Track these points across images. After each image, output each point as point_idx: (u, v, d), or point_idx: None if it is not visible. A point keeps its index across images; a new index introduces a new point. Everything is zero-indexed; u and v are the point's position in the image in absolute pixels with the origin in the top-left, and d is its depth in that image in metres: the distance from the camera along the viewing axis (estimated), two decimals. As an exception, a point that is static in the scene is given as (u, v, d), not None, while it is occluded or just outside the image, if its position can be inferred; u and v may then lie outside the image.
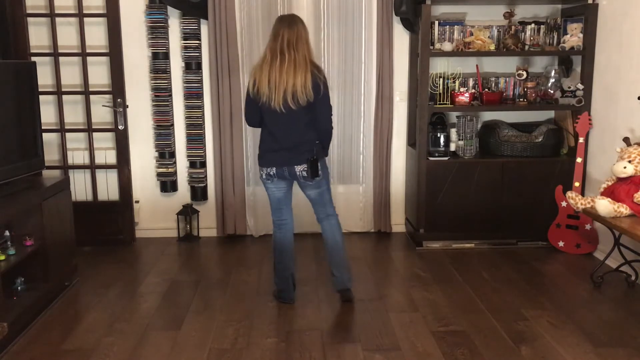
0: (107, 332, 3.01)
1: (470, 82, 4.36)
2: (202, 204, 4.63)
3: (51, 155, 4.33)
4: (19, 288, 3.16)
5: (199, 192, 4.56)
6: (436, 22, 4.25)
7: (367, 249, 4.34)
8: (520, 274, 3.77)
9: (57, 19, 4.21)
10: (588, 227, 4.09)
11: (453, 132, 4.33)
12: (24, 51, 4.18)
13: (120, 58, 4.29)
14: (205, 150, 4.53)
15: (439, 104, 4.20)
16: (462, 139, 4.29)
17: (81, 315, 3.23)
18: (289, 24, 3.06)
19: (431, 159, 4.21)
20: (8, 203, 2.97)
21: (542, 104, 4.26)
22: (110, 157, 4.42)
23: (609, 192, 3.43)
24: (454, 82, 4.24)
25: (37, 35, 4.27)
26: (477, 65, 4.34)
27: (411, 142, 4.49)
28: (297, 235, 3.47)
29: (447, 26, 4.26)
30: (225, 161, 4.44)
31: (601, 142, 4.02)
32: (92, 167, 4.41)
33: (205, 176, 4.56)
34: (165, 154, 4.47)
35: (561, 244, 4.18)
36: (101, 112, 4.39)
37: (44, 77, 4.24)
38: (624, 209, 3.28)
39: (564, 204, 4.11)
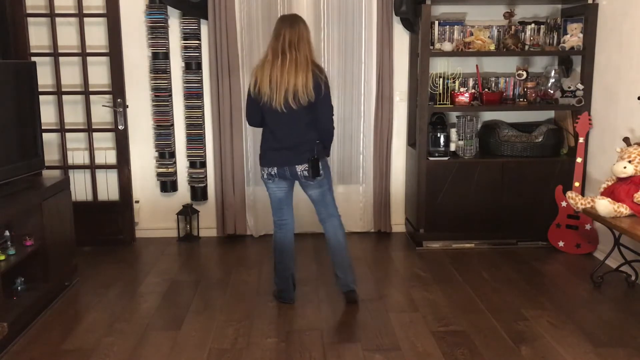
0: (107, 332, 3.01)
1: (470, 82, 4.36)
2: (202, 204, 4.63)
3: (51, 155, 4.33)
4: (19, 288, 3.16)
5: (199, 192, 4.56)
6: (436, 22, 4.25)
7: (367, 249, 4.34)
8: (520, 274, 3.78)
9: (57, 19, 4.21)
10: (588, 227, 4.09)
11: (453, 132, 4.33)
12: (24, 51, 4.18)
13: (120, 58, 4.29)
14: (205, 150, 4.53)
15: (439, 104, 4.20)
16: (462, 139, 4.29)
17: (81, 315, 3.23)
18: (291, 23, 3.06)
19: (431, 159, 4.21)
20: (8, 203, 2.97)
21: (542, 104, 4.26)
22: (110, 157, 4.42)
23: (609, 192, 3.43)
24: (454, 82, 4.24)
25: (37, 35, 4.27)
26: (477, 65, 4.34)
27: (411, 142, 4.49)
28: (297, 235, 3.47)
29: (447, 26, 4.26)
30: (225, 161, 4.44)
31: (601, 142, 4.02)
32: (92, 167, 4.41)
33: (205, 176, 4.56)
34: (165, 154, 4.47)
35: (561, 244, 4.18)
36: (101, 112, 4.39)
37: (44, 77, 4.24)
38: (624, 209, 3.28)
39: (564, 204, 4.12)
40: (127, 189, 4.45)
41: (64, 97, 4.32)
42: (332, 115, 3.15)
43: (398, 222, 4.74)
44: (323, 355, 2.75)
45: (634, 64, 3.62)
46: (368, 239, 4.56)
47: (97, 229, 4.40)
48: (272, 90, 3.02)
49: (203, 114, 4.47)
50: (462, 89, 4.23)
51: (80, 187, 4.43)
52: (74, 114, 4.39)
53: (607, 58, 3.93)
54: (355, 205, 4.66)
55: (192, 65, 4.37)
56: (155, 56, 4.32)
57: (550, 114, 4.56)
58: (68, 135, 4.38)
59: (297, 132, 3.09)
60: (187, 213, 4.53)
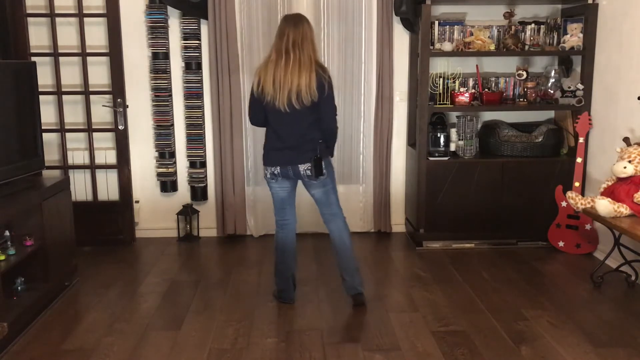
0: (107, 332, 3.01)
1: (470, 82, 4.36)
2: (202, 204, 4.63)
3: (51, 155, 4.33)
4: (19, 288, 3.16)
5: (199, 192, 4.56)
6: (436, 22, 4.25)
7: (367, 249, 4.34)
8: (520, 274, 3.77)
9: (57, 19, 4.21)
10: (588, 227, 4.09)
11: (453, 132, 4.33)
12: (24, 51, 4.18)
13: (120, 58, 4.29)
14: (205, 150, 4.53)
15: (439, 104, 4.20)
16: (462, 139, 4.29)
17: (81, 315, 3.23)
18: (295, 23, 3.05)
19: (431, 159, 4.21)
20: (8, 203, 2.97)
21: (542, 104, 4.26)
22: (110, 157, 4.42)
23: (609, 192, 3.43)
24: (454, 82, 4.24)
25: (37, 35, 4.27)
26: (477, 65, 4.34)
27: (411, 142, 4.49)
28: (297, 235, 3.46)
29: (447, 26, 4.25)
30: (225, 161, 4.44)
31: (601, 142, 4.02)
32: (92, 167, 4.41)
33: (205, 176, 4.56)
34: (165, 154, 4.47)
35: (561, 244, 4.18)
36: (101, 112, 4.39)
37: (44, 77, 4.24)
38: (624, 209, 3.28)
39: (564, 204, 4.11)
40: (127, 189, 4.45)
41: (64, 97, 4.32)
42: (336, 115, 3.14)
43: (398, 222, 4.74)
44: (323, 355, 2.75)
45: (634, 64, 3.62)
46: (368, 239, 4.56)
47: (97, 229, 4.40)
48: (275, 90, 3.01)
49: (203, 114, 4.47)
50: (462, 89, 4.23)
51: (80, 187, 4.43)
52: (74, 114, 4.39)
53: (607, 58, 3.93)
54: (355, 205, 4.65)
55: (192, 65, 4.37)
56: (155, 56, 4.32)
57: (550, 114, 4.56)
58: (68, 135, 4.38)
59: (300, 132, 3.08)
60: (187, 213, 4.53)
